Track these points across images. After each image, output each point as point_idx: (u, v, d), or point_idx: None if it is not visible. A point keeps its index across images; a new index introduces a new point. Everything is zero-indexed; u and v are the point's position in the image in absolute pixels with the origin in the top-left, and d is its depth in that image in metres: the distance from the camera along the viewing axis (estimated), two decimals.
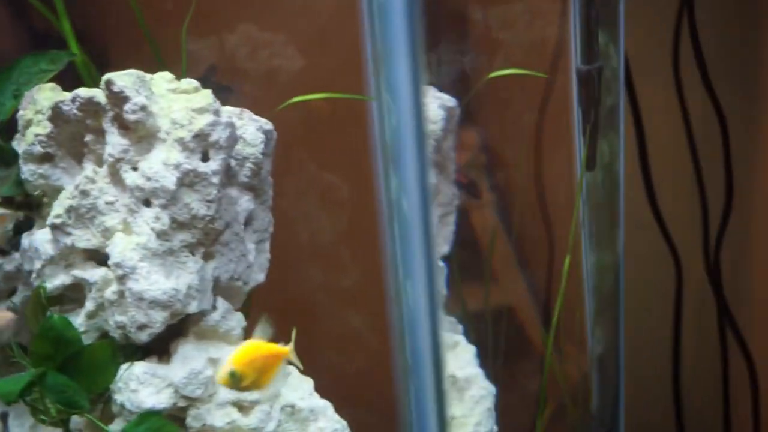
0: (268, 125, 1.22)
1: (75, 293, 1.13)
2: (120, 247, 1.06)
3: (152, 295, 1.05)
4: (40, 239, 1.12)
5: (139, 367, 1.08)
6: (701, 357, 1.88)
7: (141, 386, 1.07)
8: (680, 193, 1.71)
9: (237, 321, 1.17)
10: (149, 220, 1.06)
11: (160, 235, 1.06)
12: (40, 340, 1.04)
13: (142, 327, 1.07)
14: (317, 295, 1.76)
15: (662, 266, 1.72)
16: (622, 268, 1.48)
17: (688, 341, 1.81)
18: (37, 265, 1.12)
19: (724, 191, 1.67)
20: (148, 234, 1.06)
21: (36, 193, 1.19)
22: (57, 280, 1.11)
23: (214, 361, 1.12)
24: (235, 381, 1.00)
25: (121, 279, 1.06)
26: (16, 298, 1.26)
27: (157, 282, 1.05)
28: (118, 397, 1.08)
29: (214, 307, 1.15)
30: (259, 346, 1.03)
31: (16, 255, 1.24)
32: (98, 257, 1.12)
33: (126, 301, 1.07)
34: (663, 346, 1.79)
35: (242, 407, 1.12)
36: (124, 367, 1.09)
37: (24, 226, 1.25)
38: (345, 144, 1.27)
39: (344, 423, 1.15)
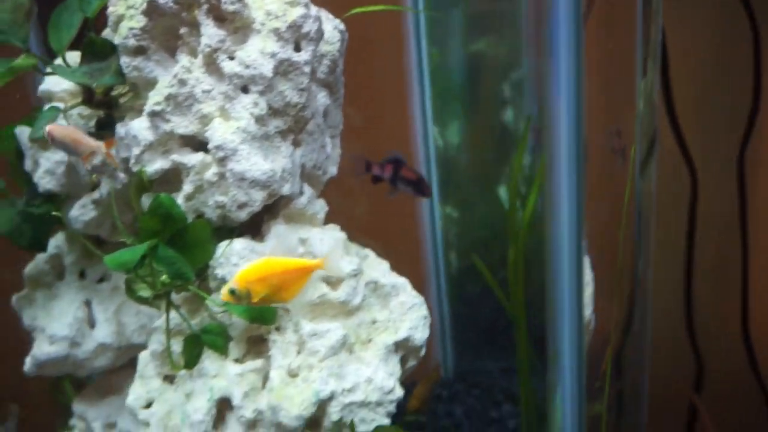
0: (341, 26, 1.29)
1: (172, 177, 1.20)
2: (221, 132, 1.14)
3: (253, 176, 1.13)
4: (137, 127, 1.18)
5: (239, 244, 1.16)
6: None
7: (241, 261, 1.16)
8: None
9: (320, 206, 1.25)
10: (248, 106, 1.14)
11: (258, 120, 1.14)
12: (149, 216, 1.11)
13: (242, 206, 1.15)
14: None
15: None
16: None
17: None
18: (136, 151, 1.18)
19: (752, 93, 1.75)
20: (247, 119, 1.13)
21: (119, 90, 1.26)
22: (156, 165, 1.18)
23: (303, 241, 1.21)
24: (239, 297, 1.07)
25: (222, 161, 1.14)
26: (102, 190, 1.33)
27: (257, 164, 1.13)
28: (220, 272, 1.16)
29: (301, 192, 1.23)
30: (272, 263, 1.08)
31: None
32: (194, 143, 1.19)
33: (227, 182, 1.14)
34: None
35: (330, 282, 1.21)
36: (224, 243, 1.17)
37: (105, 123, 1.32)
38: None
39: (422, 298, 1.25)
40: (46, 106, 1.28)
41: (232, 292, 1.07)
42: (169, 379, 1.24)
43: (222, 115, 1.15)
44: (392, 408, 1.19)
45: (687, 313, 1.92)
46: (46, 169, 1.30)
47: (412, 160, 1.86)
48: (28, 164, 1.32)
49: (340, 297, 1.20)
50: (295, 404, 1.14)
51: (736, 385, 1.95)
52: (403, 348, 1.23)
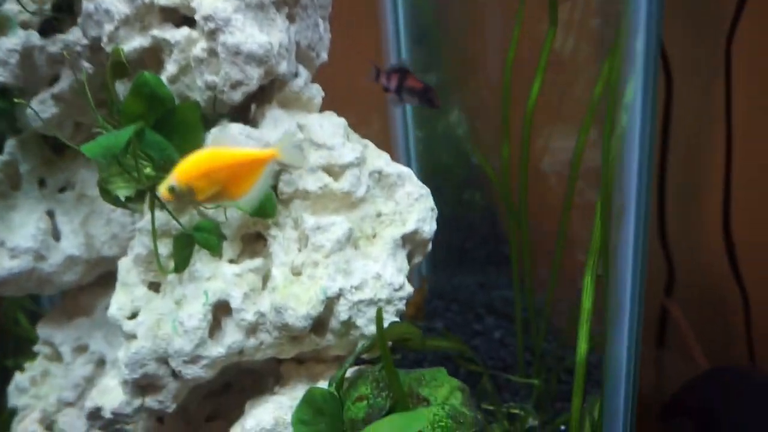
0: None
1: (152, 58, 1.06)
2: (210, 0, 1.00)
3: (249, 49, 1.00)
4: (110, 0, 1.04)
5: (234, 128, 1.04)
6: None
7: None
8: None
9: (317, 90, 1.14)
10: None
11: None
12: (133, 97, 0.98)
13: (236, 84, 1.03)
14: None
15: None
16: None
17: None
18: (109, 28, 1.04)
19: None
20: None
21: None
22: (134, 42, 1.04)
23: (302, 127, 1.10)
24: (180, 196, 0.91)
25: (213, 34, 1.01)
26: (63, 84, 1.18)
27: (253, 35, 1.01)
28: None
29: (296, 74, 1.11)
30: (216, 155, 0.92)
31: (60, 36, 1.16)
32: (176, 17, 1.06)
33: (218, 58, 1.02)
34: None
35: (333, 172, 1.10)
36: (216, 128, 1.05)
37: (64, 3, 1.16)
38: None
39: (428, 189, 1.16)
40: None
41: (172, 189, 0.89)
42: (155, 286, 1.12)
43: None
44: (402, 306, 1.10)
45: (660, 218, 1.90)
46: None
47: None
48: None
49: (343, 187, 1.09)
50: (302, 303, 1.04)
51: (710, 290, 1.95)
52: (410, 242, 1.15)
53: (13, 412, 1.37)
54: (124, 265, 1.11)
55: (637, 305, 0.84)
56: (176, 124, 1.01)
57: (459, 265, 2.15)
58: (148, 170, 1.02)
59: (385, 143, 1.95)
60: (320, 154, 1.09)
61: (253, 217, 1.04)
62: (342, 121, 1.12)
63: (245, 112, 1.11)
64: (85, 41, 1.13)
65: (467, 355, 1.33)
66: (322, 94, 1.14)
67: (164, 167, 1.01)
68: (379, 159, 1.15)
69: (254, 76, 1.02)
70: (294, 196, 1.09)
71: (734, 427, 1.55)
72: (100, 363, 1.34)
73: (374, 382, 1.02)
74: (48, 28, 1.17)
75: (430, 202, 1.15)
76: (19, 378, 1.36)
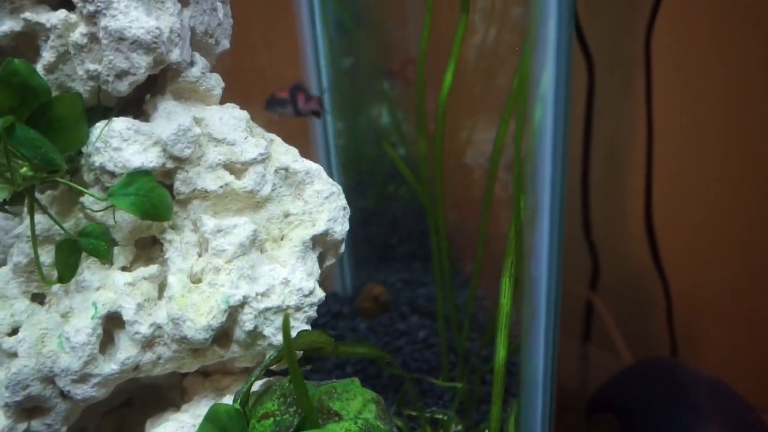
0: None
1: (26, 44, 0.96)
2: None
3: (134, 34, 0.91)
4: None
5: (121, 123, 0.94)
6: None
7: (125, 144, 0.94)
8: None
9: (216, 81, 1.05)
10: None
11: None
12: (3, 88, 0.87)
13: (122, 75, 0.93)
14: None
15: None
16: None
17: None
18: None
19: None
20: None
21: None
22: (4, 26, 0.93)
23: (198, 121, 1.01)
24: None
25: (93, 17, 0.91)
26: None
27: (139, 19, 0.91)
28: (97, 159, 0.94)
29: (192, 63, 1.02)
30: None
31: None
32: (52, 0, 0.95)
33: (100, 45, 0.91)
34: None
35: (234, 170, 1.01)
36: (101, 124, 0.95)
37: None
38: None
39: (339, 187, 1.09)
40: None
41: None
42: (39, 298, 1.01)
43: None
44: (313, 312, 1.03)
45: (584, 213, 1.87)
46: None
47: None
48: None
49: (246, 186, 1.01)
50: (202, 313, 0.95)
51: (634, 285, 1.95)
52: (321, 244, 1.07)
53: None
54: (2, 275, 1.00)
55: (553, 310, 0.79)
56: (54, 118, 0.90)
57: (382, 261, 2.09)
58: (24, 170, 0.91)
59: (302, 137, 1.88)
60: (220, 150, 1.00)
61: (144, 219, 0.94)
62: (244, 113, 1.04)
63: (138, 104, 1.01)
64: None
65: (387, 360, 1.26)
66: (222, 84, 1.05)
67: (42, 167, 0.91)
68: (286, 155, 1.07)
69: (141, 64, 0.92)
70: (192, 196, 1.00)
71: (658, 420, 1.54)
72: None
73: (281, 398, 0.94)
74: None
75: (341, 200, 1.08)
76: None
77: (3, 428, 0.99)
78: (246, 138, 1.01)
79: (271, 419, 0.92)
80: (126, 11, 0.90)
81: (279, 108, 1.50)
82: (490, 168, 1.31)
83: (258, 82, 1.79)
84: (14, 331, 0.99)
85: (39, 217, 0.97)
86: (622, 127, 1.89)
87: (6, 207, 1.02)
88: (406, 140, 2.03)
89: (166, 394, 1.21)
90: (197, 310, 0.95)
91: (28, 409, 1.00)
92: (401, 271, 2.08)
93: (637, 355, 1.80)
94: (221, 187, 1.00)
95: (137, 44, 0.91)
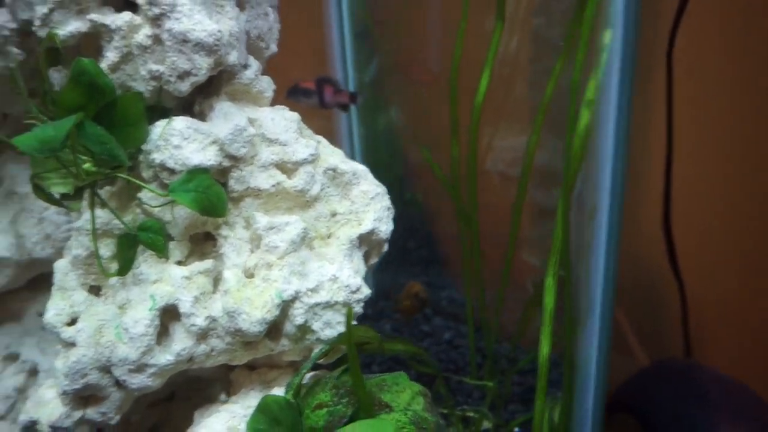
0: None
1: (89, 45, 0.99)
2: None
3: (197, 37, 0.94)
4: None
5: (181, 122, 0.98)
6: None
7: (185, 142, 0.97)
8: None
9: (267, 83, 1.08)
10: None
11: None
12: (72, 86, 0.90)
13: (183, 75, 0.96)
14: None
15: None
16: None
17: None
18: (42, 10, 0.96)
19: None
20: None
21: None
22: (70, 27, 0.97)
23: (252, 121, 1.04)
24: None
25: (158, 20, 0.94)
26: None
27: (202, 22, 0.95)
28: (157, 156, 0.98)
29: (246, 65, 1.05)
30: None
31: None
32: (115, 1, 0.98)
33: (164, 46, 0.95)
34: None
35: (286, 169, 1.05)
36: (162, 122, 0.98)
37: None
38: None
39: (384, 188, 1.12)
40: None
41: None
42: (96, 290, 1.05)
43: None
44: (359, 309, 1.06)
45: None
46: None
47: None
48: None
49: (296, 185, 1.04)
50: (257, 306, 0.98)
51: (649, 286, 1.98)
52: (366, 243, 1.10)
53: None
54: (61, 267, 1.03)
55: (609, 304, 0.82)
56: (118, 116, 0.94)
57: (401, 265, 2.12)
58: (87, 165, 0.94)
59: (329, 140, 1.92)
60: (272, 150, 1.04)
61: (203, 215, 0.98)
62: (295, 115, 1.07)
63: (191, 105, 1.04)
64: (13, 25, 1.05)
65: (422, 358, 1.29)
66: (274, 87, 1.09)
67: (106, 162, 0.94)
68: (334, 156, 1.10)
69: (203, 66, 0.96)
70: (245, 194, 1.03)
71: (675, 420, 1.56)
72: (33, 373, 1.25)
73: (334, 389, 0.97)
74: None
75: (386, 200, 1.11)
76: None
77: (60, 415, 1.02)
78: (297, 139, 1.05)
79: (325, 409, 0.95)
80: (189, 14, 0.94)
81: (303, 98, 1.50)
82: (523, 173, 1.34)
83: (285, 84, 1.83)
84: (73, 322, 1.02)
85: (98, 212, 1.00)
86: (641, 130, 1.92)
87: (63, 202, 1.05)
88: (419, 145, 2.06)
89: (207, 387, 1.24)
90: (252, 304, 0.98)
91: (84, 397, 1.03)
92: (420, 274, 2.11)
93: (652, 356, 1.83)
94: (273, 185, 1.03)
95: (200, 46, 0.94)
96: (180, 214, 1.01)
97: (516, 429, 1.37)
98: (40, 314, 1.28)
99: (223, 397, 1.12)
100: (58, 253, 1.18)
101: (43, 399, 1.07)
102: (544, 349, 0.99)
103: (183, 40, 0.94)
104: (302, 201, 1.06)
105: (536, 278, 1.61)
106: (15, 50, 1.06)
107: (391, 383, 0.99)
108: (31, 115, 0.94)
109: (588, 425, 0.88)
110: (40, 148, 0.88)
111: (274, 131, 1.04)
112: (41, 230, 1.17)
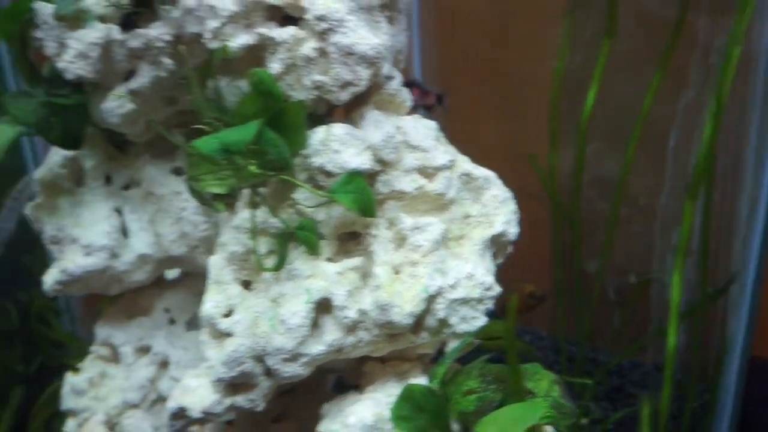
0: None
1: (251, 57, 1.07)
2: (322, 0, 1.02)
3: (361, 50, 1.02)
4: None
5: (340, 129, 1.06)
6: None
7: (343, 147, 1.05)
8: None
9: (407, 93, 1.16)
10: None
11: None
12: (252, 95, 0.99)
13: (345, 85, 1.04)
14: None
15: None
16: None
17: None
18: (214, 24, 1.04)
19: None
20: None
21: None
22: (240, 40, 1.05)
23: (399, 129, 1.12)
24: None
25: (324, 34, 1.02)
26: (140, 80, 1.16)
27: (365, 37, 1.03)
28: (317, 160, 1.05)
29: (391, 77, 1.13)
30: None
31: (140, 31, 1.15)
32: (277, 16, 1.07)
33: (329, 58, 1.03)
34: None
35: (426, 174, 1.13)
36: (320, 128, 1.06)
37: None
38: None
39: (511, 193, 1.19)
40: None
41: None
42: (246, 284, 1.12)
43: None
44: (491, 305, 1.13)
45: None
46: (79, 53, 1.11)
47: None
48: (50, 47, 1.14)
49: (436, 189, 1.12)
50: (407, 300, 1.06)
51: None
52: (495, 244, 1.18)
53: (62, 415, 1.34)
54: (216, 263, 1.11)
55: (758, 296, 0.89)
56: (285, 123, 1.02)
57: None
58: (253, 168, 1.02)
59: None
60: (415, 156, 1.11)
61: (360, 215, 1.05)
62: (433, 124, 1.15)
63: (331, 113, 1.12)
64: (167, 37, 1.12)
65: (532, 355, 1.37)
66: (412, 96, 1.16)
67: (270, 165, 1.02)
68: (466, 162, 1.18)
69: (364, 77, 1.04)
70: (389, 196, 1.11)
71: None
72: (163, 364, 1.32)
73: (481, 377, 1.04)
74: (127, 22, 1.15)
75: (513, 205, 1.18)
76: (75, 380, 1.32)
77: (212, 402, 1.10)
78: (436, 146, 1.13)
79: (474, 395, 1.02)
80: (355, 29, 1.02)
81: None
82: (619, 184, 1.41)
83: None
84: (228, 314, 1.10)
85: (251, 213, 1.08)
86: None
87: (212, 202, 1.13)
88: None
89: (326, 381, 1.31)
90: (402, 298, 1.06)
91: (236, 385, 1.10)
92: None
93: None
94: (416, 189, 1.11)
95: (363, 58, 1.03)
96: (332, 214, 1.09)
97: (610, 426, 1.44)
98: (167, 310, 1.36)
99: (363, 387, 1.19)
100: (192, 251, 1.26)
101: (189, 387, 1.14)
102: (671, 340, 1.06)
103: (348, 53, 1.02)
104: (440, 204, 1.13)
105: (621, 282, 1.69)
106: (167, 60, 1.14)
107: (532, 372, 1.06)
108: (206, 121, 1.02)
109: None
110: (222, 151, 0.96)
111: (416, 138, 1.11)
112: (178, 229, 1.25)
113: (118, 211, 1.25)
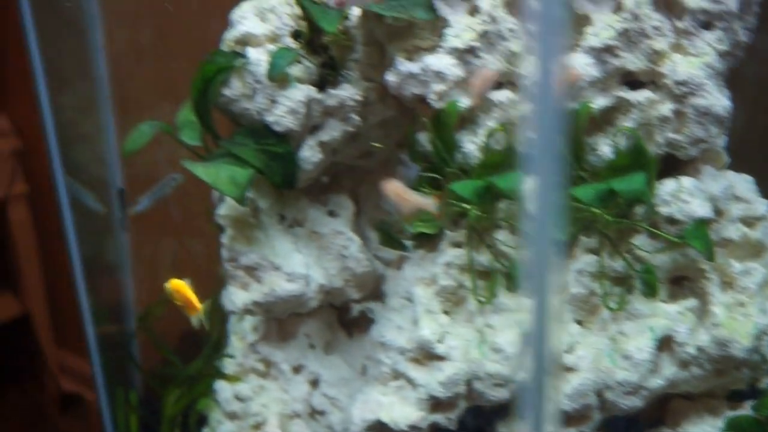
0: None
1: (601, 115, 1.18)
2: (684, 67, 1.13)
3: (716, 111, 1.13)
4: (441, 64, 1.16)
5: (688, 181, 1.16)
6: None
7: (691, 198, 1.16)
8: None
9: (722, 147, 1.27)
10: (712, 41, 1.14)
11: (722, 55, 1.14)
12: (628, 155, 1.11)
13: (697, 142, 1.15)
14: None
15: None
16: None
17: None
18: (437, 88, 1.17)
19: None
20: (712, 54, 1.13)
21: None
22: (599, 101, 1.16)
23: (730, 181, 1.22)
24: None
25: (684, 97, 1.13)
26: (331, 133, 1.29)
27: (719, 99, 1.14)
28: (665, 209, 1.16)
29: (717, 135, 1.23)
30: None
31: (332, 91, 1.28)
32: (629, 79, 1.18)
33: (684, 118, 1.14)
34: None
35: (747, 223, 1.22)
36: (669, 181, 1.17)
37: (329, 63, 1.31)
38: None
39: None
40: (272, 47, 1.26)
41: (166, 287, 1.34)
42: (447, 314, 1.24)
43: (677, 50, 1.15)
44: None
45: None
46: (290, 109, 1.24)
47: None
48: (260, 102, 1.26)
49: (757, 236, 1.22)
50: (744, 337, 1.15)
51: None
52: None
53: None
54: (422, 294, 1.23)
55: None
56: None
57: None
58: (474, 212, 1.14)
59: None
60: (739, 206, 1.22)
61: (709, 258, 1.15)
62: (751, 178, 1.25)
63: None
64: (358, 97, 1.27)
65: None
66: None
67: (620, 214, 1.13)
68: None
69: (714, 134, 1.15)
70: (717, 244, 1.21)
71: None
72: (314, 382, 1.45)
73: None
74: (320, 83, 1.29)
75: None
76: (239, 388, 1.45)
77: (418, 418, 1.19)
78: (755, 197, 1.23)
79: None
80: (710, 92, 1.13)
81: None
82: None
83: None
84: (569, 350, 1.20)
85: (454, 251, 1.22)
86: None
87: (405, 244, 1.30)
88: None
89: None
90: (739, 334, 1.15)
91: (568, 417, 1.20)
92: None
93: None
94: (740, 236, 1.21)
95: (716, 118, 1.14)
96: (664, 260, 1.19)
97: None
98: (307, 335, 1.48)
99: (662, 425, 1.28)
100: (345, 284, 1.38)
101: (381, 403, 1.23)
102: None
103: (704, 113, 1.13)
104: (756, 250, 1.23)
105: None
106: (355, 118, 1.27)
107: None
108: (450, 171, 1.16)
109: None
110: (598, 199, 1.07)
111: (741, 191, 1.22)
112: (339, 265, 1.36)
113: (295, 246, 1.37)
